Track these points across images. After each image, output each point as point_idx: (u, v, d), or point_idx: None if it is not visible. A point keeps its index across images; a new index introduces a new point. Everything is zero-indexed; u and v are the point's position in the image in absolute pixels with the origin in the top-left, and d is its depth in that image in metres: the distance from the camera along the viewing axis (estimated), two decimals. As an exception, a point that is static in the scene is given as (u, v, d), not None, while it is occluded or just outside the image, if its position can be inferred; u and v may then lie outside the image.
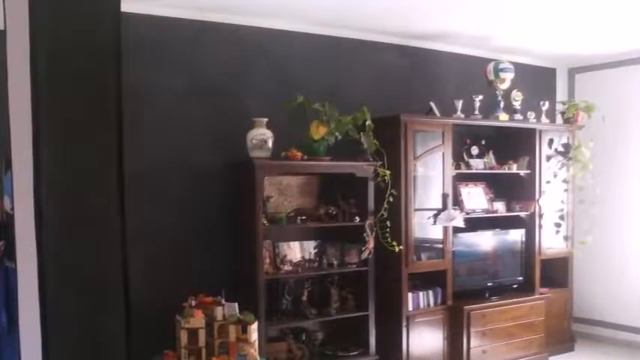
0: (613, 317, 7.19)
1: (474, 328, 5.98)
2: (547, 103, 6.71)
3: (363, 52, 6.05)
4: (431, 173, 5.97)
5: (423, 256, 5.98)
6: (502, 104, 6.34)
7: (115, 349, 1.74)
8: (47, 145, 1.63)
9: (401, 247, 5.58)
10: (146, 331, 3.82)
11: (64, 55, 1.66)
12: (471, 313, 5.97)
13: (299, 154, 5.13)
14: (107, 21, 1.73)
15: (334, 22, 5.65)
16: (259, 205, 4.97)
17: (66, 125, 1.67)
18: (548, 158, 6.65)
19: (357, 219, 5.46)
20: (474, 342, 5.96)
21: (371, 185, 5.50)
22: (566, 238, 6.88)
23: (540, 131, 6.56)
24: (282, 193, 5.47)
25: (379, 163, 5.49)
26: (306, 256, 5.51)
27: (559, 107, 7.12)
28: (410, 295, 5.79)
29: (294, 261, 5.40)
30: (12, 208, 1.88)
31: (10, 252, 3.02)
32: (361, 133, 5.30)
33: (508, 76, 6.27)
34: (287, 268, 5.31)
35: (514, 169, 6.48)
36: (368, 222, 5.44)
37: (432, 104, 5.99)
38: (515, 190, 6.58)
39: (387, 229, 5.53)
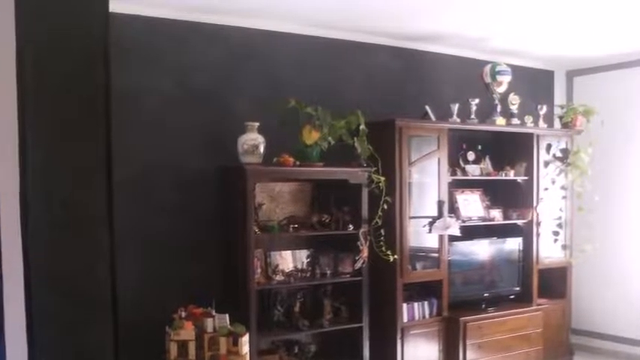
0: (613, 329, 7.18)
1: (470, 340, 5.97)
2: (545, 107, 6.72)
3: (356, 53, 6.05)
4: (426, 180, 5.96)
5: (418, 265, 5.97)
6: (499, 108, 6.35)
7: (102, 361, 1.73)
8: (34, 149, 1.62)
9: (396, 256, 5.58)
10: (135, 342, 3.78)
11: (51, 56, 1.65)
12: (467, 324, 5.97)
13: (291, 159, 5.12)
14: (95, 21, 1.72)
15: (326, 22, 5.64)
16: (251, 213, 4.95)
17: (53, 128, 1.67)
18: (546, 164, 6.65)
19: (351, 227, 5.45)
20: (470, 355, 5.96)
21: (365, 192, 5.49)
22: (564, 246, 6.87)
23: (538, 136, 6.57)
24: (274, 200, 5.46)
25: (373, 169, 5.48)
26: (299, 266, 5.49)
27: (557, 111, 7.12)
28: (405, 306, 5.78)
29: (287, 271, 5.39)
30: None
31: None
32: (355, 138, 5.30)
33: (505, 79, 6.28)
34: (279, 278, 5.30)
35: (511, 175, 6.49)
36: (362, 230, 5.44)
37: (428, 108, 5.99)
38: (512, 197, 6.58)
39: (382, 238, 5.52)
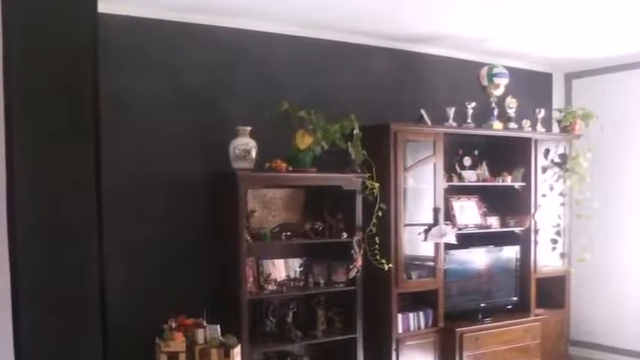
0: (612, 340, 7.15)
1: (467, 351, 5.96)
2: (543, 111, 6.71)
3: (350, 55, 6.05)
4: (421, 186, 5.95)
5: (414, 274, 5.95)
6: (496, 112, 6.35)
7: (91, 371, 1.72)
8: (20, 154, 1.61)
9: (390, 265, 5.57)
10: (124, 353, 3.76)
11: (38, 58, 1.66)
12: (464, 335, 5.96)
13: (284, 165, 5.11)
14: (83, 22, 1.72)
15: (320, 23, 5.63)
16: (242, 220, 4.93)
17: (40, 133, 1.67)
18: (544, 170, 6.65)
19: (345, 235, 5.44)
20: (466, 366, 5.96)
21: (359, 199, 5.48)
22: (562, 255, 6.87)
23: (536, 141, 6.57)
24: (267, 206, 5.44)
25: (367, 174, 5.48)
26: (291, 275, 5.48)
27: (555, 115, 7.11)
28: (400, 316, 5.77)
29: (279, 280, 5.37)
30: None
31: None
32: (349, 143, 5.30)
33: (502, 82, 6.28)
34: (271, 287, 5.28)
35: (508, 181, 6.49)
36: (356, 238, 5.42)
37: (423, 112, 5.99)
38: (509, 204, 6.58)
39: (376, 246, 5.51)
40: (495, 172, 6.50)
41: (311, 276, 5.50)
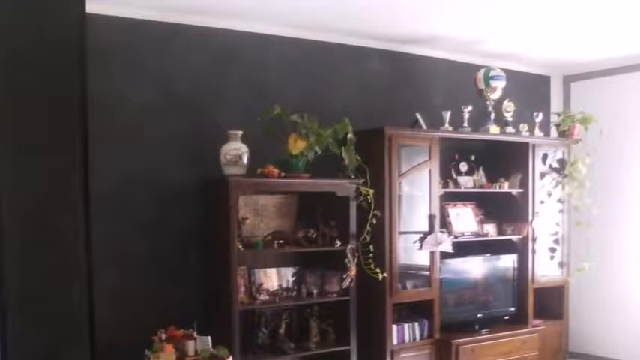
0: (612, 352, 7.12)
1: (463, 363, 5.96)
2: (541, 115, 6.71)
3: (343, 57, 6.03)
4: (417, 192, 5.95)
5: (409, 284, 5.95)
6: (493, 116, 6.35)
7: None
8: (5, 161, 1.59)
9: (385, 274, 5.55)
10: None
11: (23, 61, 1.63)
12: (460, 347, 5.94)
13: (276, 171, 5.08)
14: (71, 22, 1.70)
15: (312, 24, 5.62)
16: (233, 228, 4.91)
17: (26, 139, 1.64)
18: (542, 176, 6.64)
19: (338, 243, 5.41)
20: (462, 379, 5.94)
21: (353, 206, 5.47)
22: (561, 264, 6.87)
23: (534, 145, 6.56)
24: (258, 214, 5.42)
25: (361, 181, 5.46)
26: (284, 284, 5.46)
27: (554, 119, 7.10)
28: (394, 327, 5.75)
29: (271, 290, 5.35)
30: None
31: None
32: (342, 148, 5.28)
33: (499, 85, 6.27)
34: (263, 297, 5.24)
35: (505, 187, 6.48)
36: (350, 246, 5.40)
37: (419, 115, 5.98)
38: (506, 211, 6.57)
39: (370, 254, 5.49)
40: (492, 178, 6.48)
41: (304, 285, 5.47)
